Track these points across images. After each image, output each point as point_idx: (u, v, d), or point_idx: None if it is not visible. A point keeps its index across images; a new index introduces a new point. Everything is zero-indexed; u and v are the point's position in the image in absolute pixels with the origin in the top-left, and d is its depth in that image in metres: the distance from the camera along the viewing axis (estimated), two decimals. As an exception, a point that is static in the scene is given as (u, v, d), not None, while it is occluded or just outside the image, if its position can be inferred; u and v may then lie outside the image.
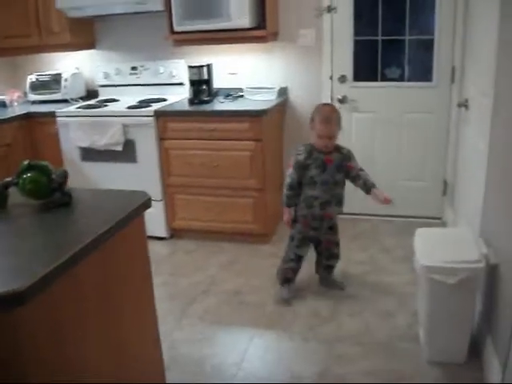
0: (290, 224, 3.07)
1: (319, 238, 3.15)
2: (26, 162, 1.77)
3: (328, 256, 3.21)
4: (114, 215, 1.66)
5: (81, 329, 1.52)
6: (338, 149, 3.01)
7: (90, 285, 1.55)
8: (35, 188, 1.75)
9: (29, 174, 1.75)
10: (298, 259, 3.12)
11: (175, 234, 4.11)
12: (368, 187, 2.98)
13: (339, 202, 3.06)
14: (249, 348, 2.72)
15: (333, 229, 3.16)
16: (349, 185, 4.28)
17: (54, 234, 1.58)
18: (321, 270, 3.27)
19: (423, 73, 4.01)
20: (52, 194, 1.78)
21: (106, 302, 1.65)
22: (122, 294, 1.75)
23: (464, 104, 3.39)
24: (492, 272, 2.38)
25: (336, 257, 3.23)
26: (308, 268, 3.33)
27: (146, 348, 1.98)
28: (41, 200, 1.78)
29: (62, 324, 1.43)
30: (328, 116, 2.94)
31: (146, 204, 1.81)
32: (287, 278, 3.16)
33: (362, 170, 3.02)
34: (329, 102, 4.07)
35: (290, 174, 3.00)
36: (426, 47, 3.94)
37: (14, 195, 1.81)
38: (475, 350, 2.53)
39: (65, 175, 1.83)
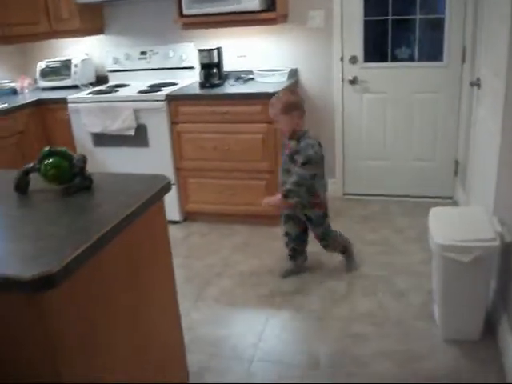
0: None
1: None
2: (47, 148, 1.79)
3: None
4: (136, 199, 1.68)
5: (106, 311, 1.55)
6: (299, 139, 2.91)
7: (114, 268, 1.59)
8: (58, 173, 1.77)
9: (50, 160, 1.77)
10: (286, 235, 3.24)
11: (188, 217, 4.15)
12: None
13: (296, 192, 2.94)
14: (265, 328, 2.76)
15: (310, 220, 3.09)
16: (358, 163, 4.31)
17: (78, 218, 1.61)
18: None
19: (434, 53, 4.00)
20: (73, 178, 1.81)
21: (129, 284, 1.69)
22: (144, 277, 1.79)
23: (476, 83, 3.38)
24: (507, 250, 2.40)
25: (325, 247, 3.22)
26: (322, 248, 3.36)
27: (168, 329, 2.02)
28: (62, 185, 1.81)
29: (88, 306, 1.47)
30: (272, 100, 2.98)
31: (167, 187, 1.84)
32: (289, 255, 3.27)
33: (297, 173, 2.86)
34: (340, 83, 4.09)
35: None
36: (437, 27, 3.92)
37: (34, 181, 1.84)
38: (490, 328, 2.56)
39: (84, 160, 1.86)
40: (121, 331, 1.64)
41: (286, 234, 3.23)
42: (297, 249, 3.25)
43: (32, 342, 1.34)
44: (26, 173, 1.83)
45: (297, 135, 2.92)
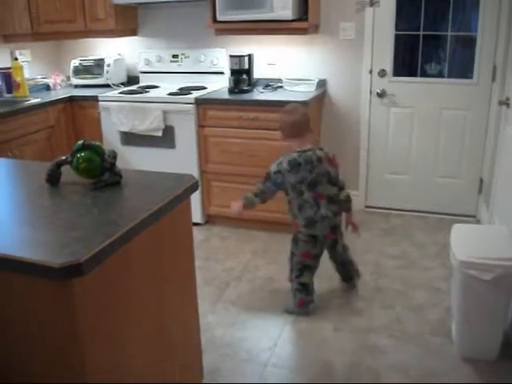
0: None
1: None
2: (80, 142, 1.84)
3: None
4: (164, 196, 1.72)
5: (130, 302, 1.59)
6: None
7: (140, 261, 1.62)
8: (89, 167, 1.82)
9: (83, 154, 1.82)
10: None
11: (210, 220, 4.19)
12: None
13: None
14: (281, 334, 2.77)
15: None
16: (381, 176, 4.29)
17: (107, 211, 1.65)
18: None
19: (463, 70, 3.99)
20: (103, 173, 1.85)
21: (153, 278, 1.72)
22: (167, 272, 1.82)
23: (505, 102, 3.36)
24: (528, 271, 2.38)
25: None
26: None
27: (187, 326, 2.05)
28: (92, 179, 1.85)
29: (113, 296, 1.50)
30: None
31: (194, 187, 1.87)
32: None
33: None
34: (368, 96, 4.11)
35: None
36: (468, 44, 3.92)
37: (66, 173, 1.88)
38: (508, 349, 2.54)
39: (115, 156, 1.90)
40: (143, 323, 1.68)
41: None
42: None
43: (59, 326, 1.38)
44: (59, 165, 1.88)
45: None
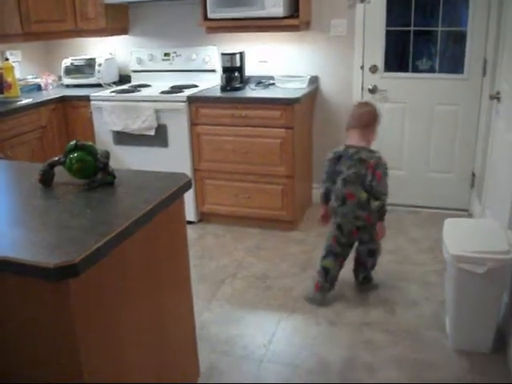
0: None
1: None
2: (73, 142, 1.84)
3: None
4: (158, 195, 1.72)
5: (125, 302, 1.59)
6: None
7: (134, 261, 1.63)
8: (82, 167, 1.82)
9: (76, 154, 1.82)
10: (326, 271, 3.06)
11: (204, 218, 4.19)
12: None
13: None
14: (276, 330, 2.78)
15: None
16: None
17: (101, 211, 1.65)
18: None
19: (454, 65, 4.01)
20: (96, 173, 1.85)
21: (148, 278, 1.73)
22: (162, 271, 1.82)
23: (496, 96, 3.38)
24: (521, 264, 2.40)
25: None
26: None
27: (182, 325, 2.06)
28: (86, 179, 1.86)
29: (108, 296, 1.51)
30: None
31: (187, 186, 1.88)
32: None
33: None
34: (359, 92, 4.13)
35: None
36: (458, 39, 3.94)
37: (59, 174, 1.88)
38: (501, 341, 2.56)
39: (108, 156, 1.90)
40: (139, 321, 1.68)
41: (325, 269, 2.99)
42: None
43: (54, 325, 1.38)
44: (52, 166, 1.88)
45: None
